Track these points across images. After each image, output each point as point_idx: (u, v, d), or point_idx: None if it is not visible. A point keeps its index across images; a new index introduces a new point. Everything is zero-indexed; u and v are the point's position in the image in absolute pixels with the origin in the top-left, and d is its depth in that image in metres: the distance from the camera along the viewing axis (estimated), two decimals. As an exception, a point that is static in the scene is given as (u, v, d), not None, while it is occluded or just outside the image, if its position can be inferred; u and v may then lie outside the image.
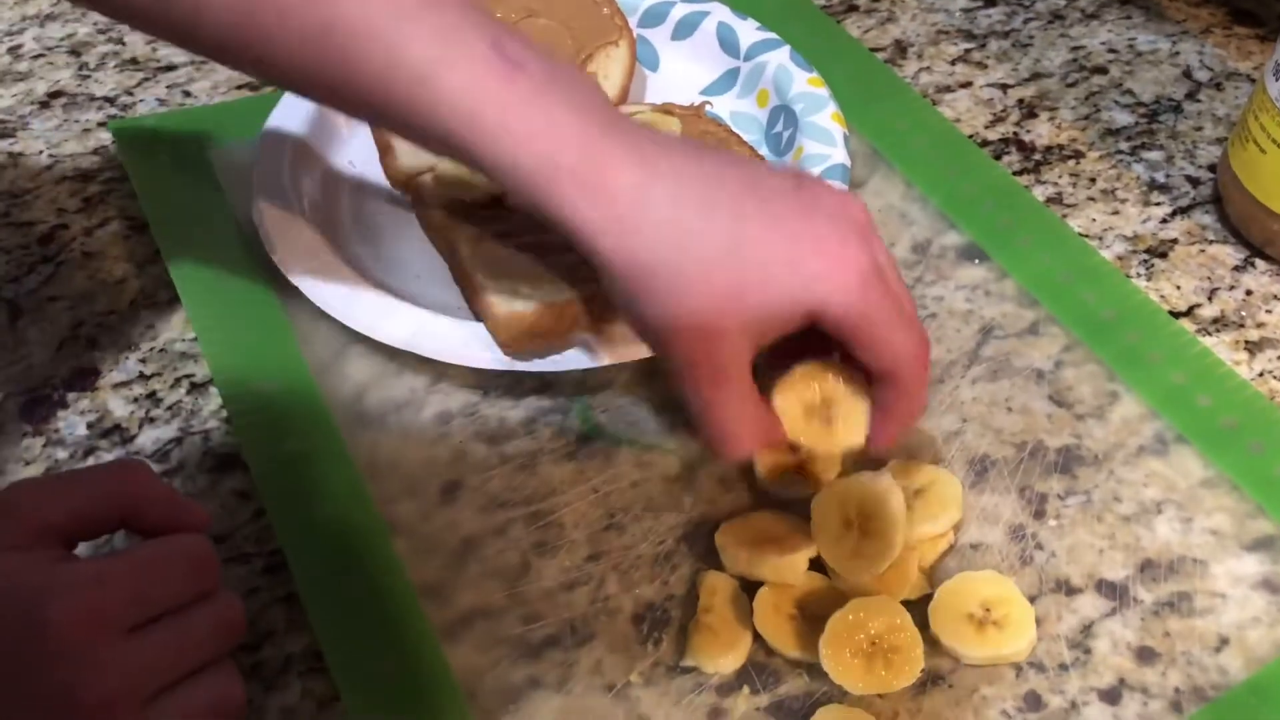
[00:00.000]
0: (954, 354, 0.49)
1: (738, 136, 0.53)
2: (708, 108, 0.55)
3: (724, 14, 0.60)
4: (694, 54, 0.60)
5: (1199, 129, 0.59)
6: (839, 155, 0.53)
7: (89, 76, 0.62)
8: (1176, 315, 0.50)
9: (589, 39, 0.57)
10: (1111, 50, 0.63)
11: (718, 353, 0.37)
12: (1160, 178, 0.56)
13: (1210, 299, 0.51)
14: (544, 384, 0.47)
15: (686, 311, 0.36)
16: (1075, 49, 0.63)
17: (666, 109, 0.55)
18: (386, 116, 0.39)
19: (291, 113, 0.54)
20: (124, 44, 0.64)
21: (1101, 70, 0.62)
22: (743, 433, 0.38)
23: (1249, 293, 0.51)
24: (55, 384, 0.48)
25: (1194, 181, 0.56)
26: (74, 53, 0.64)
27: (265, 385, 0.46)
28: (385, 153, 0.52)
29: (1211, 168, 0.57)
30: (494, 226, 0.48)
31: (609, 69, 0.57)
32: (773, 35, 0.59)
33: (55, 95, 0.61)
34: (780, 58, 0.58)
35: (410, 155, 0.51)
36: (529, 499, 0.44)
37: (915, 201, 0.55)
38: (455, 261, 0.49)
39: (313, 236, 0.49)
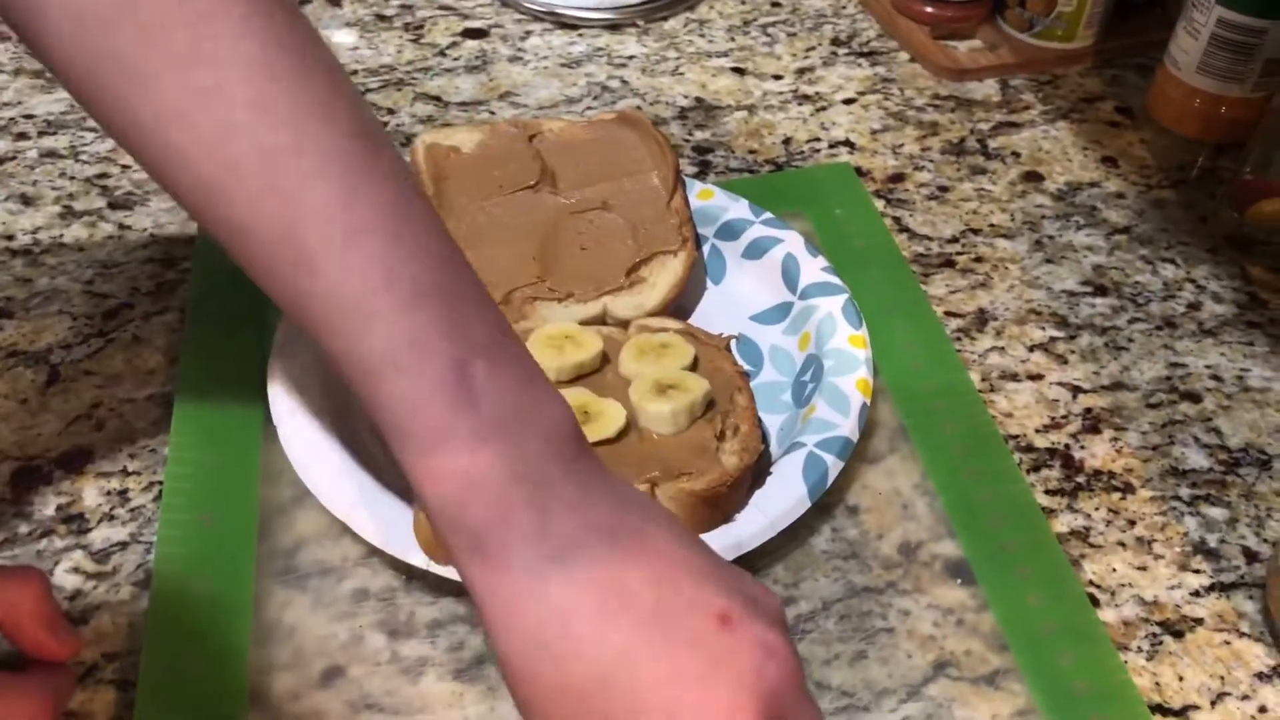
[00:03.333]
0: (893, 682, 0.44)
1: (748, 389, 0.51)
2: (733, 342, 0.54)
3: (796, 246, 0.58)
4: (759, 277, 0.59)
5: (1284, 493, 0.52)
6: (846, 428, 0.50)
7: (216, 167, 0.67)
8: (1165, 712, 0.44)
9: (650, 243, 0.57)
10: (1215, 377, 0.57)
11: None
12: (1213, 541, 0.50)
13: (1214, 704, 0.44)
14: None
15: None
16: (1174, 365, 0.58)
17: (691, 333, 0.53)
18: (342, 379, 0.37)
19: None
20: (259, 142, 0.69)
21: (1194, 397, 0.56)
22: None
23: (1263, 710, 0.44)
24: (51, 458, 0.51)
25: (1251, 556, 0.49)
26: (215, 141, 0.69)
27: (205, 515, 0.48)
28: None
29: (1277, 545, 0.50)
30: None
31: (658, 277, 0.56)
32: (835, 280, 0.57)
33: (182, 178, 0.66)
34: (832, 305, 0.55)
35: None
36: (399, 709, 0.43)
37: (924, 496, 0.51)
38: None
39: (311, 378, 0.51)
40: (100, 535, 0.48)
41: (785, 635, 0.35)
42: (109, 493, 0.50)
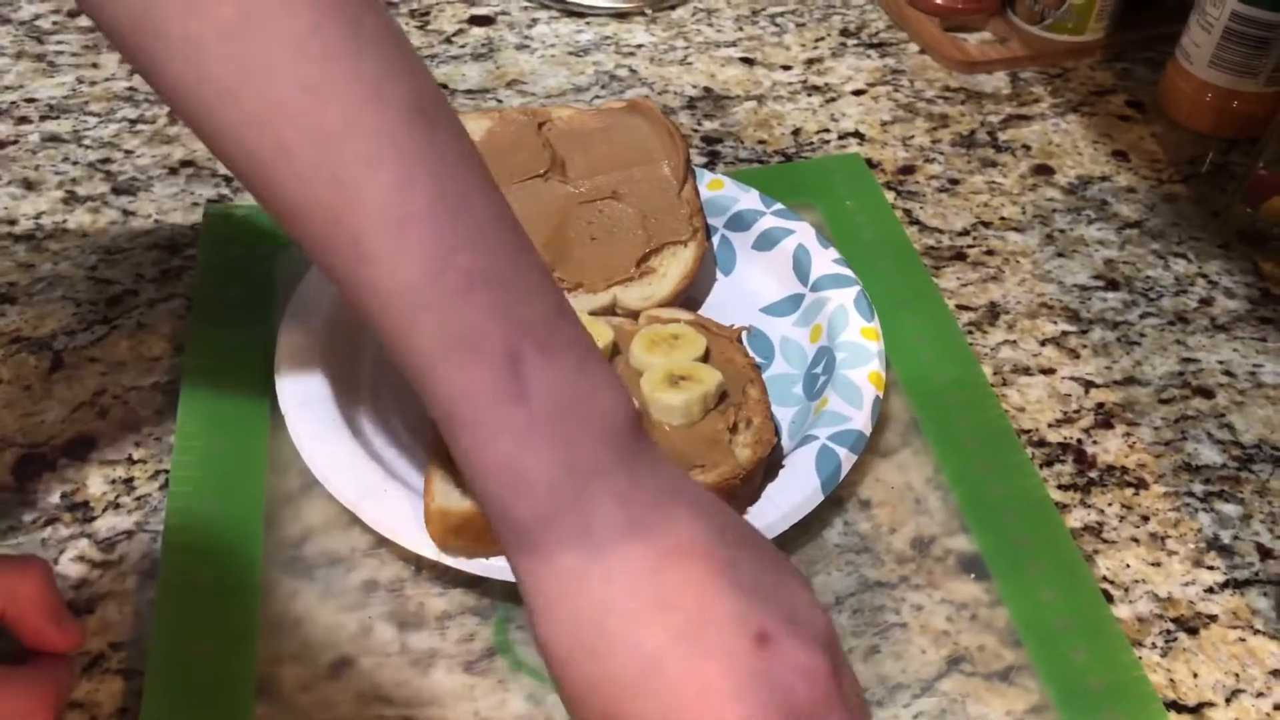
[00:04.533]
0: (907, 678, 0.44)
1: (760, 381, 0.50)
2: (744, 334, 0.53)
3: (807, 237, 0.58)
4: (769, 268, 0.59)
5: (1300, 489, 0.52)
6: (859, 421, 0.49)
7: (221, 153, 0.66)
8: (1179, 709, 0.44)
9: (661, 233, 0.57)
10: (1228, 373, 0.57)
11: None
12: (1226, 538, 0.50)
13: (1229, 701, 0.44)
14: (477, 578, 0.46)
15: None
16: (1186, 360, 0.57)
17: (702, 324, 0.53)
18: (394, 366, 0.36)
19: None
20: (264, 129, 0.68)
21: (1206, 393, 0.56)
22: None
23: (1278, 707, 0.44)
24: (55, 445, 0.51)
25: (1265, 553, 0.49)
26: (220, 127, 0.68)
27: (212, 504, 0.47)
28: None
29: (1292, 542, 0.50)
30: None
31: (669, 267, 0.56)
32: (848, 272, 0.56)
33: (186, 164, 0.66)
34: (844, 298, 0.55)
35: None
36: (409, 702, 0.43)
37: (937, 490, 0.50)
38: (430, 436, 0.49)
39: (319, 367, 0.50)
40: (105, 524, 0.48)
41: (825, 655, 0.34)
42: (114, 481, 0.50)
